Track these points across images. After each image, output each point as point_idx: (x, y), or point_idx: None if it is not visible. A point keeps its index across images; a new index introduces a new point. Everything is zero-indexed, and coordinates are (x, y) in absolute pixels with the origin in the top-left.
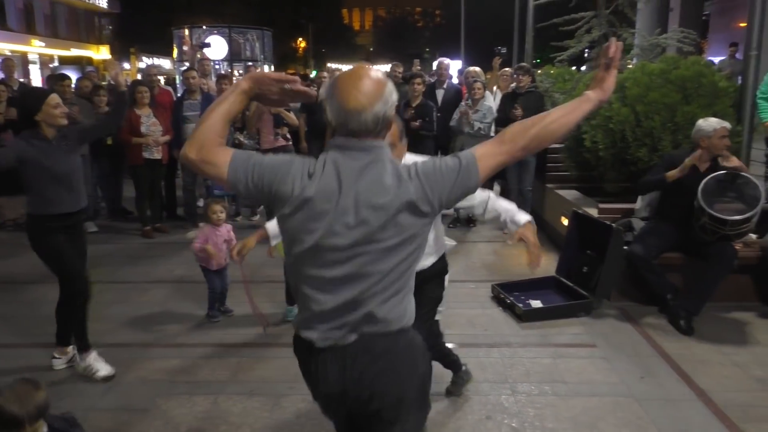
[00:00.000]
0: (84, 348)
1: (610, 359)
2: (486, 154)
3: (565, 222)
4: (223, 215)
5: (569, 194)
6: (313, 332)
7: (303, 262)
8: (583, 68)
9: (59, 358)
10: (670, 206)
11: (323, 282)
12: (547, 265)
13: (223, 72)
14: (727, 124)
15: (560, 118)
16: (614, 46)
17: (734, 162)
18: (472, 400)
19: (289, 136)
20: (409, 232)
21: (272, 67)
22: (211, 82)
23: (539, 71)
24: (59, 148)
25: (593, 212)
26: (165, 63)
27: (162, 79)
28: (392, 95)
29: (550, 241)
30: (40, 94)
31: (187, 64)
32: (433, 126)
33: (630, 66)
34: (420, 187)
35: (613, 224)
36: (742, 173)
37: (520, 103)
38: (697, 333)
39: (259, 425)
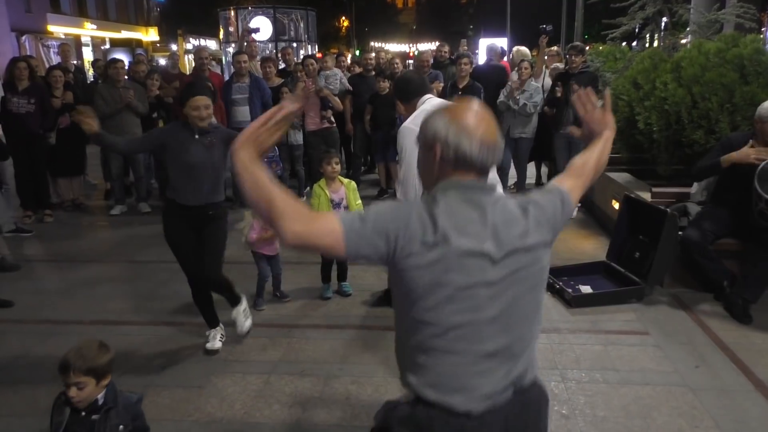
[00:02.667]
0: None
1: (663, 347)
2: (573, 188)
3: (616, 205)
4: None
5: (620, 177)
6: (461, 396)
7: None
8: (634, 44)
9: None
10: (726, 191)
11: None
12: (598, 249)
13: (267, 53)
14: None
15: (604, 153)
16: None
17: None
18: None
19: (333, 119)
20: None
21: (316, 47)
22: (257, 64)
23: (588, 48)
24: (200, 141)
25: (646, 196)
26: (211, 44)
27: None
28: None
29: (599, 224)
30: (189, 91)
31: (233, 45)
32: None
33: (684, 42)
34: (549, 226)
35: (667, 209)
36: None
37: (574, 84)
38: (755, 322)
39: (310, 404)
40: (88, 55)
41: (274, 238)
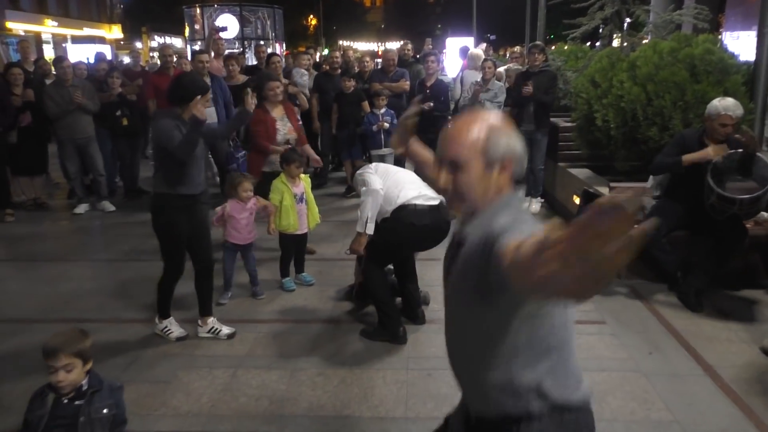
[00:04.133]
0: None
1: (618, 335)
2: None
3: (577, 201)
4: (251, 193)
5: (581, 173)
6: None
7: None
8: (598, 45)
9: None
10: (680, 185)
11: None
12: None
13: (235, 51)
14: (736, 113)
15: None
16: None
17: (747, 135)
18: None
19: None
20: None
21: (283, 46)
22: (216, 63)
23: (553, 47)
24: None
25: (604, 191)
26: (176, 42)
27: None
28: None
29: (561, 219)
30: (204, 87)
31: (199, 42)
32: (448, 105)
33: (645, 42)
34: None
35: None
36: (751, 152)
37: (533, 82)
38: (706, 310)
39: (276, 397)
40: (49, 52)
41: (224, 220)
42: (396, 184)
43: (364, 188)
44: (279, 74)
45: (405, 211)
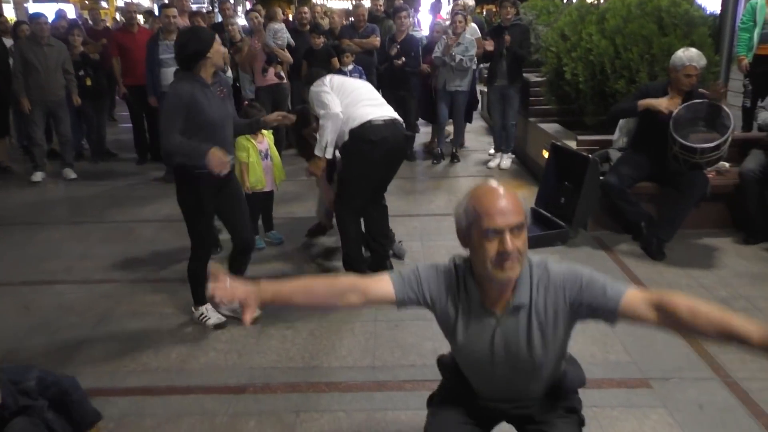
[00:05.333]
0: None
1: None
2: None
3: (546, 155)
4: None
5: (550, 128)
6: None
7: None
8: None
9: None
10: (645, 137)
11: None
12: (530, 198)
13: (204, 7)
14: (700, 63)
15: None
16: None
17: (713, 88)
18: None
19: (283, 74)
20: None
21: (254, 3)
22: (182, 20)
23: (527, 2)
24: (214, 94)
25: (572, 144)
26: (143, 1)
27: (141, 18)
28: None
29: (531, 174)
30: (209, 33)
31: (166, 1)
32: (419, 61)
33: None
34: None
35: (589, 155)
36: (714, 103)
37: (506, 36)
38: (668, 258)
39: (246, 350)
40: (9, 12)
41: None
42: (353, 102)
43: (322, 111)
44: (259, 30)
45: (362, 129)
